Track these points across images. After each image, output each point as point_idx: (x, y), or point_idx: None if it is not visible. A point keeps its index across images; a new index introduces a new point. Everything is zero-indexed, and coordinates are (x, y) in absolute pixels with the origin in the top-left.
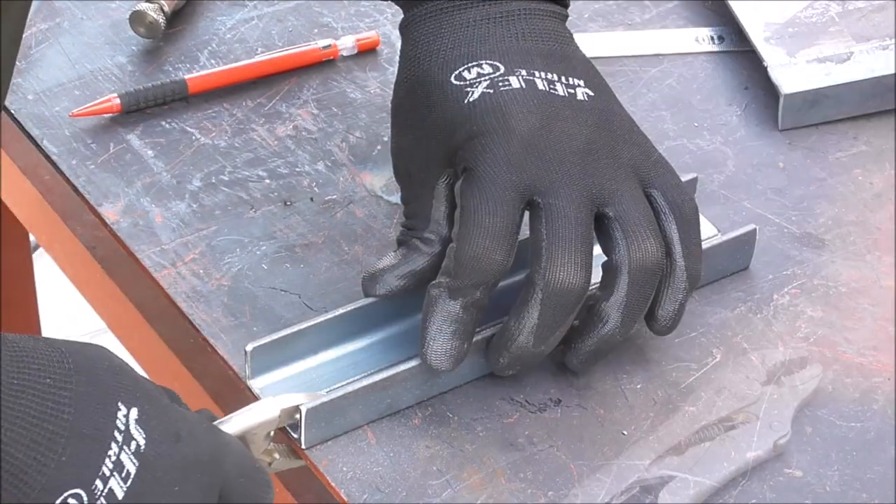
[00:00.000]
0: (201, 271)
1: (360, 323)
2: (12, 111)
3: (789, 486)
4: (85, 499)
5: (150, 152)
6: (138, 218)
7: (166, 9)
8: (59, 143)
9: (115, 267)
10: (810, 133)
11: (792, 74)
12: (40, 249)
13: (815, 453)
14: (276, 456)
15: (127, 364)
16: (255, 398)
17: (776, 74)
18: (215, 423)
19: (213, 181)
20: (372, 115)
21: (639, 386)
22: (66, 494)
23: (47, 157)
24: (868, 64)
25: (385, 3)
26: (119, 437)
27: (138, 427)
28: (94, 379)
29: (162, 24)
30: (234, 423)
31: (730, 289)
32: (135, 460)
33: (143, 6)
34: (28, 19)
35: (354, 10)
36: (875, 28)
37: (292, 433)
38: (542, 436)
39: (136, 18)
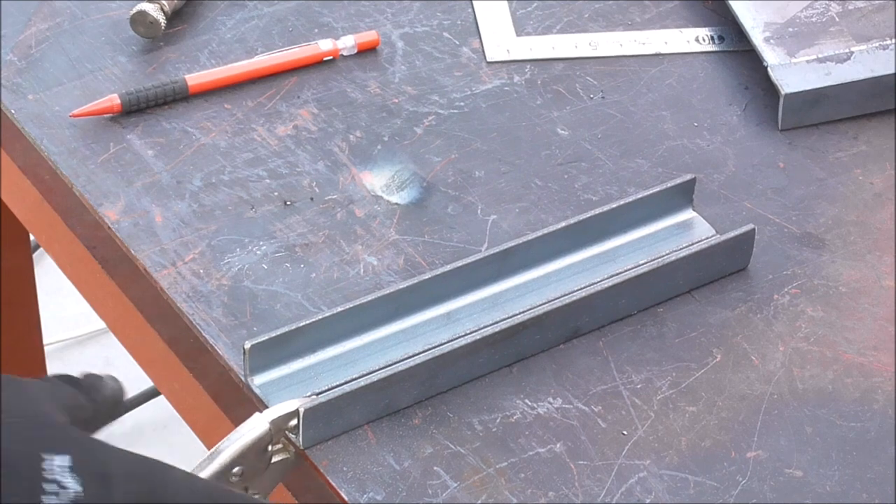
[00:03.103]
0: (201, 271)
1: (360, 321)
2: (12, 111)
3: (789, 486)
4: None
5: (150, 152)
6: (138, 218)
7: (167, 9)
8: (59, 143)
9: (115, 267)
10: (810, 133)
11: (792, 74)
12: (40, 249)
13: (815, 453)
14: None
15: (44, 404)
16: (255, 396)
17: (776, 74)
18: (210, 453)
19: (214, 181)
20: (372, 115)
21: (639, 386)
22: None
23: (47, 157)
24: (868, 64)
25: (385, 2)
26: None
27: (73, 475)
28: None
29: (162, 24)
30: (227, 453)
31: (730, 289)
32: None
33: (144, 6)
34: (28, 19)
35: (354, 10)
36: (875, 28)
37: (291, 434)
38: (542, 436)
39: (137, 18)
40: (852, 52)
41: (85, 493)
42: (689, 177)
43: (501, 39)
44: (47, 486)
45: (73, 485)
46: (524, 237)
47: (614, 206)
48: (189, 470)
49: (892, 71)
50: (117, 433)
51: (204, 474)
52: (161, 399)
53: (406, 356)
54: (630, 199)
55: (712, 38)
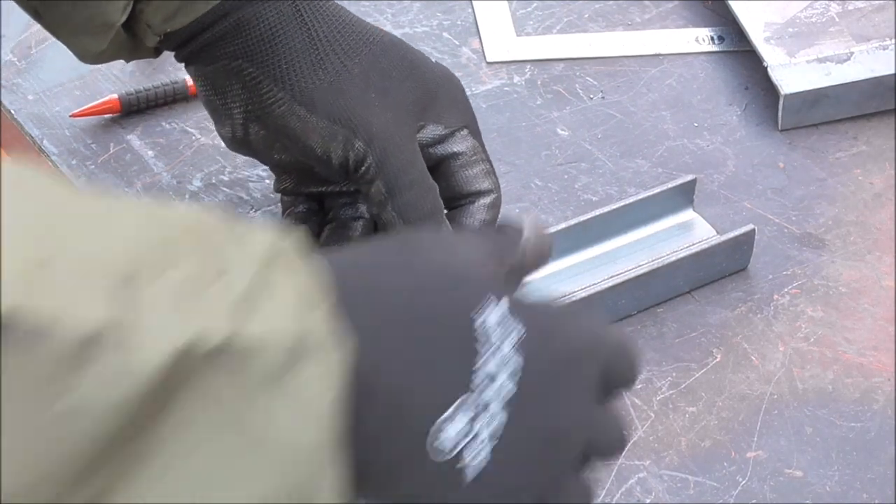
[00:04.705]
0: None
1: None
2: (12, 111)
3: (789, 486)
4: (467, 411)
5: (150, 152)
6: None
7: None
8: (59, 143)
9: None
10: (810, 133)
11: (792, 74)
12: None
13: (815, 453)
14: None
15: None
16: None
17: (776, 74)
18: None
19: (214, 181)
20: None
21: (639, 386)
22: (442, 418)
23: (47, 157)
24: (868, 64)
25: (385, 2)
26: (482, 340)
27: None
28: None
29: None
30: None
31: (730, 289)
32: (519, 356)
33: None
34: (29, 20)
35: (354, 9)
36: (875, 28)
37: None
38: None
39: None
40: (852, 52)
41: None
42: (689, 177)
43: (501, 39)
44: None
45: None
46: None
47: (614, 206)
48: None
49: (892, 71)
50: None
51: None
52: None
53: None
54: (630, 199)
55: (712, 38)
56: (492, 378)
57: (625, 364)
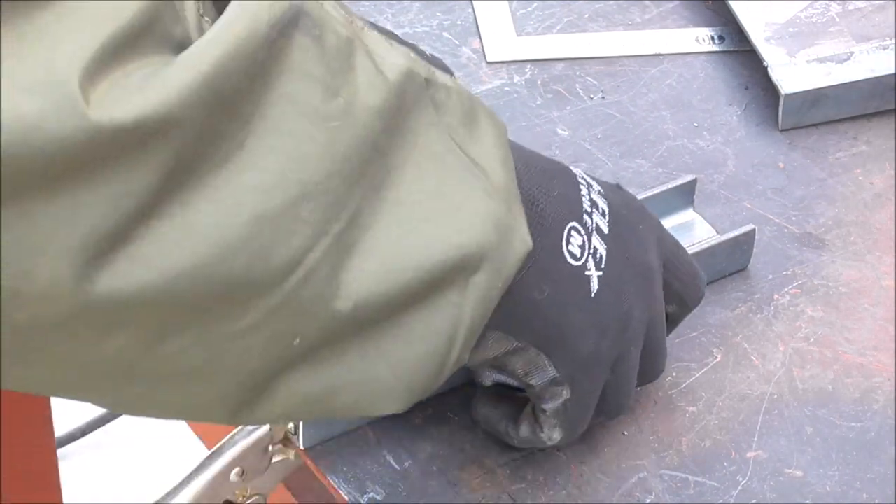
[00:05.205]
0: None
1: None
2: None
3: (789, 486)
4: (582, 231)
5: None
6: None
7: None
8: None
9: None
10: (810, 133)
11: (792, 74)
12: None
13: (815, 453)
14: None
15: None
16: None
17: (776, 74)
18: (211, 453)
19: None
20: None
21: (638, 386)
22: (568, 226)
23: None
24: (868, 64)
25: (385, 2)
26: (582, 182)
27: (586, 175)
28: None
29: None
30: (228, 453)
31: (730, 289)
32: (603, 200)
33: None
34: None
35: (354, 10)
36: (875, 28)
37: (291, 434)
38: None
39: None
40: (852, 52)
41: (603, 189)
42: (689, 178)
43: (501, 39)
44: (580, 180)
45: (594, 183)
46: None
47: None
48: (189, 471)
49: (892, 71)
50: (115, 433)
51: (205, 475)
52: None
53: None
54: None
55: (712, 38)
56: (594, 204)
57: (667, 236)
